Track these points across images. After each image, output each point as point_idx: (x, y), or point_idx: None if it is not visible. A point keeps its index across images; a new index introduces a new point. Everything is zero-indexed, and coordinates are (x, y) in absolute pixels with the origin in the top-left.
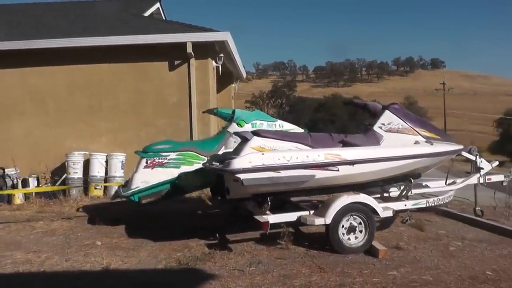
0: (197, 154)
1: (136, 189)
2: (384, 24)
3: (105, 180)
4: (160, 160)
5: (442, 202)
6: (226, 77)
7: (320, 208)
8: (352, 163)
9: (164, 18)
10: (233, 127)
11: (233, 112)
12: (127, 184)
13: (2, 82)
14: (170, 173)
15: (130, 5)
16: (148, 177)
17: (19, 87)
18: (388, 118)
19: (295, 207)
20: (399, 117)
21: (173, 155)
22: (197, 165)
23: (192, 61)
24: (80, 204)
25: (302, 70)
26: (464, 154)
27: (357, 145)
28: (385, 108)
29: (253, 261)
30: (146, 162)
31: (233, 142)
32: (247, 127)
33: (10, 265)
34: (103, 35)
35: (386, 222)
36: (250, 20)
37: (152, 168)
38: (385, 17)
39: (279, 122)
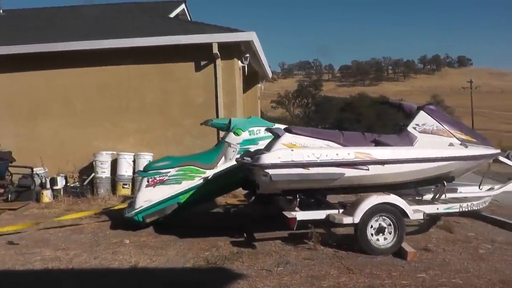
0: (197, 168)
1: (139, 209)
2: (411, 21)
3: (133, 180)
4: (161, 178)
5: (476, 208)
6: (252, 77)
7: (349, 207)
8: (382, 162)
9: (189, 19)
10: (230, 137)
11: (229, 121)
12: (131, 204)
13: (30, 84)
14: (172, 190)
15: (156, 7)
16: (151, 195)
17: (47, 89)
18: (422, 119)
19: (325, 205)
20: (434, 118)
21: (173, 171)
22: (198, 179)
23: (218, 61)
24: (108, 203)
25: (328, 69)
26: (501, 159)
27: (390, 145)
28: (420, 108)
29: (281, 261)
30: (148, 181)
31: (232, 151)
32: (244, 135)
33: (39, 261)
34: (129, 37)
35: (421, 225)
36: (275, 20)
37: (154, 187)
38: (412, 15)
39: (277, 126)
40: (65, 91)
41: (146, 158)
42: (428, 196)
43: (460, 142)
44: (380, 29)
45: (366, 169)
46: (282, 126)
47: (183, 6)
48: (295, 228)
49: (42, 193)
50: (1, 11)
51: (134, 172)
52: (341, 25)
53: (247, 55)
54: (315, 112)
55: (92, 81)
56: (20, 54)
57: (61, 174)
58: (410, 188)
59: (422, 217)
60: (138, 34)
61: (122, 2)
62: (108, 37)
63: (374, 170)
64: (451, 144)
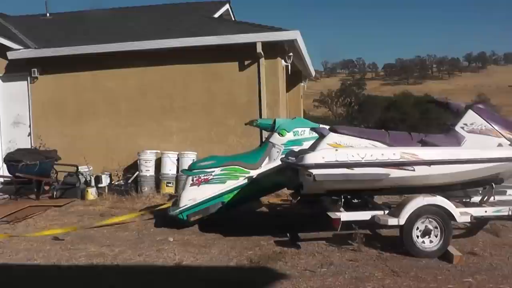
0: (241, 168)
1: (184, 207)
2: (456, 18)
3: (176, 178)
4: (205, 177)
5: None
6: (295, 76)
7: (395, 208)
8: (429, 163)
9: (233, 19)
10: (275, 137)
11: (274, 122)
12: (176, 202)
13: (76, 84)
14: (216, 189)
15: (200, 7)
16: (195, 194)
17: (92, 89)
18: (471, 118)
19: (370, 206)
20: (482, 118)
21: (217, 171)
22: (242, 179)
23: (262, 60)
24: (152, 201)
25: (372, 67)
26: None
27: (437, 145)
28: (468, 107)
29: (324, 262)
30: (192, 180)
31: (276, 152)
32: (289, 136)
33: (84, 257)
34: (174, 37)
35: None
36: (318, 18)
37: (198, 185)
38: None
39: (322, 127)
40: (110, 91)
41: (190, 157)
42: (476, 199)
43: (510, 143)
44: (425, 26)
45: (412, 170)
46: (327, 127)
47: (227, 6)
48: (339, 229)
49: (87, 191)
50: (48, 14)
51: (178, 171)
52: (385, 22)
53: (291, 54)
54: (358, 112)
55: (137, 81)
56: (67, 56)
57: (105, 172)
58: (457, 190)
59: (469, 220)
60: (182, 34)
61: (166, 3)
62: (152, 38)
63: (420, 171)
64: (500, 145)
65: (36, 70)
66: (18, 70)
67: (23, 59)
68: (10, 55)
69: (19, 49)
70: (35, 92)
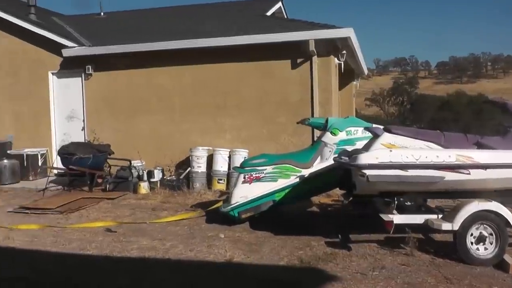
0: (293, 167)
1: (235, 204)
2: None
3: (228, 175)
4: (257, 175)
5: None
6: (347, 74)
7: (449, 213)
8: (485, 167)
9: (286, 17)
10: (327, 137)
11: (326, 121)
12: (227, 199)
13: (130, 81)
14: (268, 187)
15: (252, 5)
16: (247, 192)
17: (147, 86)
18: None
19: (423, 210)
20: None
21: (269, 169)
22: (294, 178)
23: (315, 58)
24: (203, 197)
25: (424, 65)
26: None
27: (493, 148)
28: None
29: (376, 265)
30: (244, 178)
31: (328, 151)
32: (342, 135)
33: (136, 250)
34: (226, 36)
35: None
36: (370, 15)
37: (250, 183)
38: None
39: (375, 126)
40: (164, 88)
41: (241, 154)
42: None
43: None
44: (479, 23)
45: (467, 173)
46: (381, 127)
47: (279, 4)
48: (391, 232)
49: (139, 185)
50: (102, 13)
51: (229, 168)
52: (438, 19)
53: (344, 52)
54: (410, 111)
55: (190, 79)
56: (121, 54)
57: (158, 167)
58: None
59: None
60: (235, 32)
61: (219, 1)
62: (206, 36)
63: (476, 174)
64: None
65: (90, 67)
66: (73, 67)
67: (78, 56)
68: (65, 52)
69: (74, 47)
70: (89, 88)
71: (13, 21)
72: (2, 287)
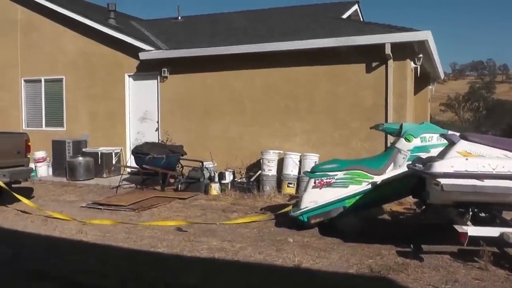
0: (364, 173)
1: (305, 209)
2: None
3: (298, 179)
4: (328, 180)
5: None
6: (422, 79)
7: None
8: None
9: (361, 20)
10: (401, 143)
11: (401, 126)
12: (297, 204)
13: (204, 84)
14: (338, 193)
15: (328, 8)
16: (317, 197)
17: (219, 88)
18: None
19: (499, 222)
20: None
21: (340, 174)
22: (365, 184)
23: (390, 62)
24: (272, 200)
25: (502, 69)
26: None
27: None
28: None
29: (449, 278)
30: (314, 182)
31: (402, 158)
32: (416, 142)
33: (206, 250)
34: (300, 39)
35: None
36: (448, 16)
37: (320, 188)
38: None
39: (451, 133)
40: (236, 91)
41: (312, 159)
42: None
43: None
44: None
45: None
46: (457, 134)
47: (355, 7)
48: (465, 244)
49: (211, 186)
50: (180, 17)
51: (299, 172)
52: None
53: (421, 55)
54: (485, 117)
55: (262, 82)
56: (195, 57)
57: (229, 169)
58: None
59: None
60: (309, 36)
61: (296, 5)
62: (278, 40)
63: None
64: None
65: (166, 69)
66: (149, 69)
67: (154, 59)
68: (142, 55)
69: (150, 50)
70: (164, 90)
71: (92, 26)
72: (74, 279)
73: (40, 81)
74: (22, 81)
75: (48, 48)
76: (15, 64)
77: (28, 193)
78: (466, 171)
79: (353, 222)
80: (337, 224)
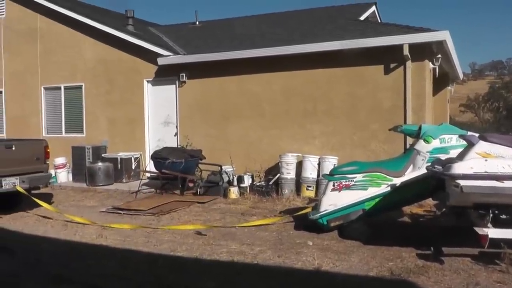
0: (384, 175)
1: (324, 212)
2: None
3: (317, 182)
4: (347, 183)
5: None
6: (441, 79)
7: None
8: None
9: (379, 21)
10: (420, 144)
11: (420, 128)
12: (316, 207)
13: (223, 87)
14: (358, 196)
15: (345, 10)
16: (336, 199)
17: (238, 92)
18: None
19: None
20: None
21: (359, 177)
22: (385, 186)
23: (408, 63)
24: (291, 203)
25: None
26: None
27: None
28: None
29: (470, 281)
30: (333, 185)
31: (421, 160)
32: (435, 143)
33: (225, 253)
34: (318, 41)
35: None
36: (466, 17)
37: (339, 191)
38: None
39: (470, 134)
40: (254, 94)
41: (330, 161)
42: None
43: None
44: None
45: None
46: (476, 135)
47: (373, 8)
48: (486, 246)
49: (229, 190)
50: (197, 22)
51: (318, 175)
52: None
53: (439, 56)
54: (505, 118)
55: (281, 85)
56: (213, 61)
57: (248, 173)
58: None
59: None
60: (327, 38)
61: (314, 7)
62: (299, 42)
63: None
64: None
65: (184, 74)
66: (167, 74)
67: (172, 64)
68: (160, 61)
69: (169, 56)
70: (182, 95)
71: (110, 32)
72: (94, 283)
73: (59, 88)
74: (42, 88)
75: (67, 55)
76: (35, 72)
77: (48, 198)
78: (485, 172)
79: (361, 229)
80: (345, 230)
